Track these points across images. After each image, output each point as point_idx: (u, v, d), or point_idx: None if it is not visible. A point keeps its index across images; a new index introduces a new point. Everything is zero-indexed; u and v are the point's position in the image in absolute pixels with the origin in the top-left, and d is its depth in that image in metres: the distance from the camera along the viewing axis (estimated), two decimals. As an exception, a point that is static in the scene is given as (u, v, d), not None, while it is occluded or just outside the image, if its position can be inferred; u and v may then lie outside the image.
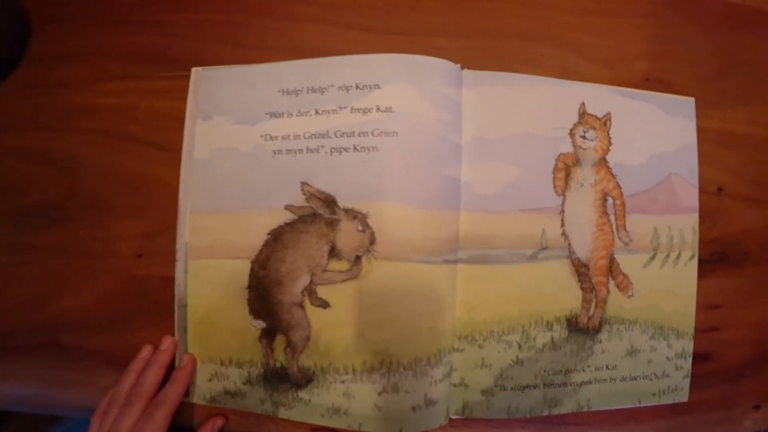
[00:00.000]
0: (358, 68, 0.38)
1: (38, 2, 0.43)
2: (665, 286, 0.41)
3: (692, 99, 0.43)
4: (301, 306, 0.37)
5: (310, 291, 0.37)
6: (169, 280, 0.39)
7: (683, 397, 0.42)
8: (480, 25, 0.42)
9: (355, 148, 0.37)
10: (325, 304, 0.37)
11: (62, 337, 0.40)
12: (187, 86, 0.40)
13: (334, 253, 0.37)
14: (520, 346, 0.39)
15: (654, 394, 0.41)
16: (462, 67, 0.40)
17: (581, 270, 0.40)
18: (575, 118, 0.41)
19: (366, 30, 0.41)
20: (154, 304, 0.40)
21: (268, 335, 0.38)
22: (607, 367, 0.41)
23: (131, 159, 0.41)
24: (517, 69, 0.41)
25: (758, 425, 0.43)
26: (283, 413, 0.38)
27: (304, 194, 0.37)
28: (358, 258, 0.37)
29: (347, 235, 0.37)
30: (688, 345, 0.42)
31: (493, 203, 0.39)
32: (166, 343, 0.39)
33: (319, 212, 0.37)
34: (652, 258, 0.41)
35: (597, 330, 0.40)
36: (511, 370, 0.39)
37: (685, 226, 0.42)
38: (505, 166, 0.39)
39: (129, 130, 0.41)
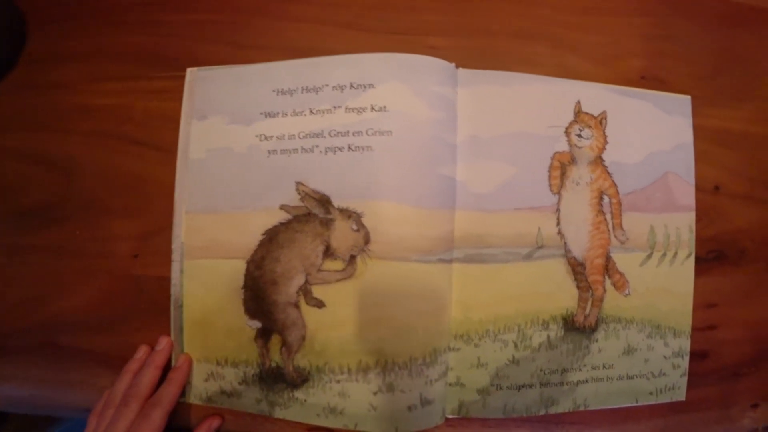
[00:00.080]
0: (353, 68, 0.38)
1: (35, 3, 0.43)
2: (662, 284, 0.41)
3: (688, 97, 0.43)
4: (297, 306, 0.37)
5: (305, 291, 0.37)
6: (165, 281, 0.39)
7: (680, 396, 0.42)
8: (475, 24, 0.42)
9: (349, 148, 0.37)
10: (320, 304, 0.37)
11: (60, 338, 0.40)
12: (182, 86, 0.41)
13: (329, 252, 0.37)
14: (516, 346, 0.39)
15: (651, 393, 0.41)
16: (457, 66, 0.40)
17: (577, 269, 0.40)
18: (571, 117, 0.41)
19: (360, 29, 0.41)
20: (151, 304, 0.40)
21: (263, 335, 0.38)
22: (603, 366, 0.40)
23: (127, 159, 0.41)
24: (513, 68, 0.41)
25: (756, 423, 0.43)
26: (279, 413, 0.38)
27: (299, 194, 0.37)
28: (352, 257, 0.37)
29: (342, 234, 0.37)
30: (685, 344, 0.42)
31: (489, 202, 0.39)
32: (162, 343, 0.39)
33: (314, 212, 0.37)
34: (649, 256, 0.41)
35: (593, 329, 0.40)
36: (507, 370, 0.39)
37: (682, 224, 0.42)
38: (500, 164, 0.39)
39: (125, 130, 0.41)
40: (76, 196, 0.41)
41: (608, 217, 0.41)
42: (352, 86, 0.38)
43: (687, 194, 0.42)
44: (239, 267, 0.38)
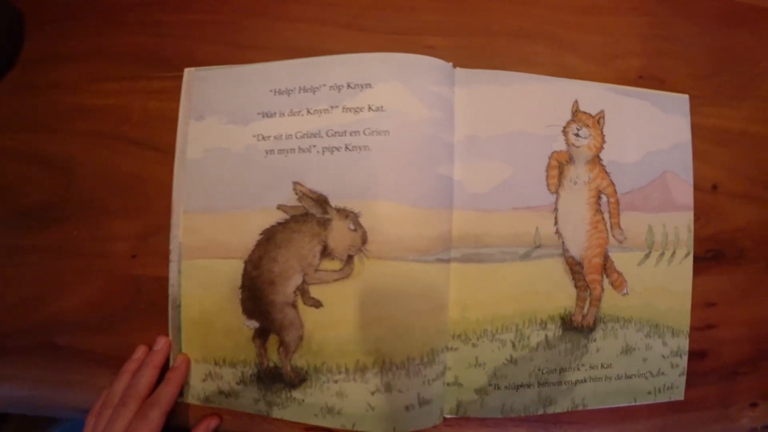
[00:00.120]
0: (350, 67, 0.38)
1: (34, 3, 0.43)
2: (660, 284, 0.41)
3: (686, 96, 0.43)
4: (294, 306, 0.37)
5: (302, 290, 0.37)
6: (163, 281, 0.39)
7: (679, 395, 0.42)
8: (473, 24, 0.42)
9: (346, 148, 0.37)
10: (317, 304, 0.37)
11: (58, 338, 0.40)
12: (180, 87, 0.41)
13: (326, 252, 0.37)
14: (514, 345, 0.39)
15: (649, 393, 0.41)
16: (454, 66, 0.40)
17: (575, 268, 0.40)
18: (568, 116, 0.41)
19: (358, 29, 0.41)
20: (149, 304, 0.40)
21: (261, 335, 0.38)
22: (601, 365, 0.40)
23: (125, 159, 0.41)
24: (511, 67, 0.41)
25: (755, 423, 0.42)
26: (277, 413, 0.38)
27: (297, 194, 0.37)
28: (350, 257, 0.37)
29: (339, 234, 0.37)
30: (684, 343, 0.42)
31: (486, 202, 0.39)
32: (160, 343, 0.39)
33: (312, 212, 0.37)
34: (647, 256, 0.41)
35: (591, 328, 0.40)
36: (505, 369, 0.39)
37: (680, 223, 0.42)
38: (498, 164, 0.39)
39: (123, 130, 0.41)
40: (74, 196, 0.41)
41: (606, 216, 0.41)
42: (349, 86, 0.38)
43: (685, 193, 0.42)
44: (237, 267, 0.38)
